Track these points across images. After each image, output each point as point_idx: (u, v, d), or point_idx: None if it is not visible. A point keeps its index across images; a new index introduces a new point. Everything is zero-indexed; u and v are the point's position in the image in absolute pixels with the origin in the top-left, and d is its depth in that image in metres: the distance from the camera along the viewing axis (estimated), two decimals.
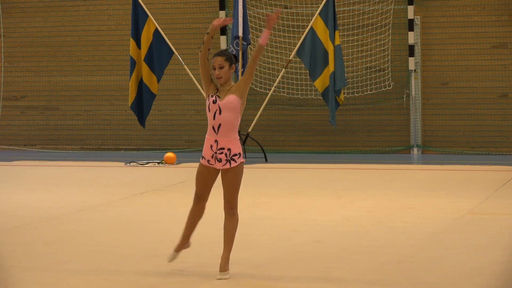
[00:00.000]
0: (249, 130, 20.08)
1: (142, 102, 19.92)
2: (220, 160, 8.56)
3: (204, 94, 8.81)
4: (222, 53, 8.77)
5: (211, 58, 8.84)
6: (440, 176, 16.83)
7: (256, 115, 20.18)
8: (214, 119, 8.52)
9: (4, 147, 23.09)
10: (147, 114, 20.14)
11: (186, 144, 21.89)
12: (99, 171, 18.28)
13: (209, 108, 8.55)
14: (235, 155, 8.55)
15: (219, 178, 8.73)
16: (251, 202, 13.68)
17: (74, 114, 22.63)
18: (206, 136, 8.64)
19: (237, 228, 8.81)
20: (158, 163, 19.23)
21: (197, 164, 8.73)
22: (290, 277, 8.72)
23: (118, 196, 14.37)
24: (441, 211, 12.58)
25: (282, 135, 21.53)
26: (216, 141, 8.54)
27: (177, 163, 19.05)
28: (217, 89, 8.61)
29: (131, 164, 19.21)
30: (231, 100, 8.51)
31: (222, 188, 8.66)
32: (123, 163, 19.33)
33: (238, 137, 8.74)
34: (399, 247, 10.22)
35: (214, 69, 8.65)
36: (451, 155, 20.50)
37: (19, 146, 23.07)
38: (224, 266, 8.56)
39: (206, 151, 8.64)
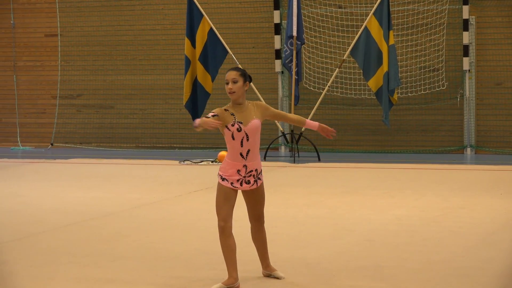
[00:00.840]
0: (302, 129, 20.12)
1: (197, 101, 20.02)
2: (248, 182, 8.35)
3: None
4: (236, 69, 8.42)
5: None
6: (493, 176, 16.74)
7: (309, 114, 20.22)
8: (242, 146, 8.24)
9: (60, 144, 23.33)
10: (202, 113, 20.24)
11: None
12: (154, 169, 18.41)
13: (233, 137, 8.23)
14: (260, 173, 8.43)
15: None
16: (304, 201, 13.74)
17: (129, 113, 22.81)
18: (228, 160, 8.35)
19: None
20: (212, 161, 19.33)
21: None
22: (342, 276, 8.77)
23: (173, 194, 14.48)
24: (494, 212, 12.53)
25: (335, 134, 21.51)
26: (245, 166, 8.30)
27: None
28: (233, 115, 8.30)
29: (185, 162, 19.34)
30: (257, 125, 8.32)
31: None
32: (177, 162, 19.46)
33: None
34: (450, 246, 10.21)
35: (227, 83, 8.34)
36: (504, 155, 20.37)
37: (75, 144, 23.29)
38: (272, 267, 8.69)
39: (232, 175, 8.30)
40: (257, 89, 20.46)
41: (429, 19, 20.71)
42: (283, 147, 21.51)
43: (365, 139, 21.40)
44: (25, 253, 10.11)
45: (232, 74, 8.34)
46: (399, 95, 20.28)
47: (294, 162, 19.29)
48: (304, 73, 21.00)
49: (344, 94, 21.09)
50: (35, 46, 23.82)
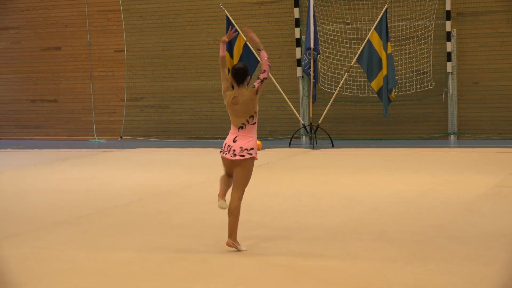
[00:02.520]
0: (319, 121, 20.07)
1: None
2: (234, 155, 8.41)
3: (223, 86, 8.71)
4: (241, 64, 8.72)
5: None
6: (472, 157, 16.63)
7: (324, 110, 20.17)
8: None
9: (128, 137, 23.38)
10: None
11: (269, 134, 21.94)
12: (201, 156, 18.43)
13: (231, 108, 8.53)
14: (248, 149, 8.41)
15: None
16: (321, 179, 13.71)
17: (182, 111, 22.81)
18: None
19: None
20: None
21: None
22: (355, 238, 8.75)
23: (216, 175, 14.44)
24: (473, 185, 12.45)
25: (345, 126, 21.46)
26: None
27: (262, 149, 19.13)
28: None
29: None
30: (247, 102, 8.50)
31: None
32: (219, 149, 19.45)
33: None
34: (440, 213, 10.17)
35: None
36: (481, 140, 20.23)
37: (139, 137, 23.33)
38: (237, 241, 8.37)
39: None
40: (283, 90, 20.42)
41: (419, 32, 20.59)
42: (304, 137, 21.44)
43: (370, 129, 21.32)
44: (101, 224, 10.14)
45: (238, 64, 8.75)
46: (396, 93, 20.20)
47: (313, 148, 19.23)
48: (320, 77, 20.92)
49: (352, 93, 21.00)
50: (106, 60, 23.87)
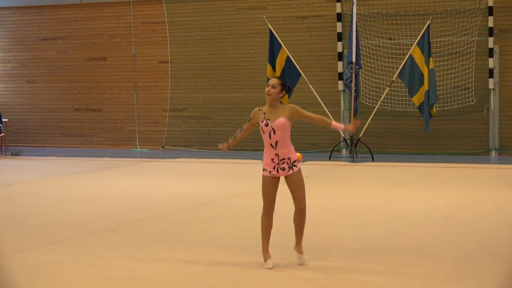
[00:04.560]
0: (360, 135, 19.97)
1: None
2: (283, 169, 8.13)
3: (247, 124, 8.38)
4: (279, 78, 8.32)
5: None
6: None
7: (365, 123, 20.08)
8: (270, 138, 8.11)
9: (170, 147, 23.46)
10: None
11: (310, 146, 21.89)
12: (242, 167, 18.41)
13: (263, 130, 8.14)
14: (295, 161, 8.20)
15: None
16: (361, 192, 13.63)
17: (223, 122, 22.83)
18: (265, 151, 8.21)
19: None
20: None
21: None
22: (393, 253, 8.66)
23: (257, 186, 14.43)
24: None
25: (386, 140, 21.35)
26: (277, 154, 8.13)
27: (303, 161, 19.08)
28: (264, 114, 8.17)
29: None
30: (282, 122, 8.11)
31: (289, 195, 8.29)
32: (260, 161, 19.42)
33: (293, 147, 8.33)
34: (480, 230, 10.04)
35: (268, 86, 8.19)
36: None
37: (181, 147, 23.39)
38: (301, 250, 8.26)
39: (269, 164, 8.17)
40: (324, 104, 20.36)
41: (461, 48, 20.43)
42: (344, 150, 21.35)
43: (410, 143, 21.18)
44: (142, 233, 10.16)
45: (274, 81, 8.24)
46: (437, 108, 20.06)
47: (353, 162, 19.14)
48: (361, 91, 20.84)
49: (393, 107, 20.88)
50: (150, 71, 24.00)
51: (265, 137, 8.18)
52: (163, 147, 23.53)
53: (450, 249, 8.81)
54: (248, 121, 8.35)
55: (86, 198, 13.41)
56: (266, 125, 8.14)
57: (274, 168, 8.16)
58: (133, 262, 8.35)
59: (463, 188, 13.94)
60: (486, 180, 15.20)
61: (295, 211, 8.23)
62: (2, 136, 22.71)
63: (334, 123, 8.36)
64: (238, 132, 8.47)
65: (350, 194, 13.42)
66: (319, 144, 21.80)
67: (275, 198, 8.19)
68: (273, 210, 8.19)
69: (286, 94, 8.40)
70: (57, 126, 25.03)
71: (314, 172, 16.93)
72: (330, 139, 21.43)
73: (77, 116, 24.79)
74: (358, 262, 8.21)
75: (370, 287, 7.26)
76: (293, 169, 8.16)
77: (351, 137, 20.04)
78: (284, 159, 8.16)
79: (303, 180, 8.21)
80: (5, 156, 21.82)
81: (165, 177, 16.52)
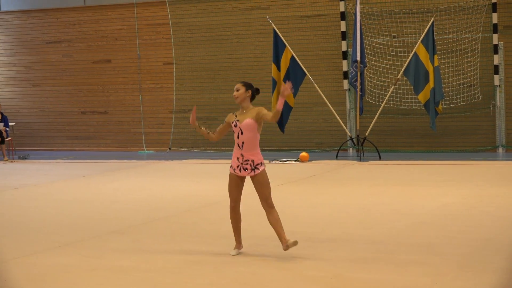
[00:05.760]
0: (366, 134, 19.97)
1: (282, 113, 20.03)
2: (246, 169, 8.58)
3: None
4: (242, 82, 8.83)
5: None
6: None
7: (371, 122, 20.07)
8: (238, 138, 8.61)
9: (176, 148, 23.49)
10: (286, 122, 20.26)
11: (316, 146, 21.89)
12: None
13: (233, 130, 8.67)
14: (258, 164, 8.58)
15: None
16: (368, 191, 13.63)
17: None
18: (233, 150, 8.68)
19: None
20: (295, 160, 19.28)
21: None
22: (402, 251, 8.65)
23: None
24: None
25: (392, 138, 21.35)
26: (242, 154, 8.59)
27: (310, 161, 19.08)
28: (236, 116, 8.69)
29: (274, 161, 19.30)
30: (248, 123, 8.58)
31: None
32: (267, 161, 19.42)
33: (259, 151, 8.70)
34: (488, 227, 10.03)
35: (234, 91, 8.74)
36: None
37: (187, 148, 23.42)
38: (288, 239, 8.45)
39: (234, 162, 8.66)
40: (329, 103, 20.35)
41: (466, 45, 20.43)
42: (351, 149, 21.36)
43: (417, 141, 21.18)
44: (151, 234, 10.18)
45: (237, 85, 8.77)
46: (443, 106, 20.06)
47: (360, 160, 19.13)
48: (367, 90, 20.84)
49: (399, 105, 20.89)
50: (155, 72, 24.04)
51: (234, 137, 8.66)
52: (169, 148, 23.56)
53: (459, 246, 8.80)
54: (224, 123, 8.85)
55: (94, 201, 13.43)
56: (235, 125, 8.63)
57: (237, 167, 8.63)
58: (142, 263, 8.36)
59: (471, 186, 13.93)
60: (494, 177, 15.19)
61: (266, 213, 8.65)
62: (9, 139, 22.76)
63: (277, 106, 8.53)
64: (211, 132, 9.00)
65: (357, 193, 13.42)
66: (326, 143, 21.80)
67: (239, 196, 8.70)
68: (239, 206, 8.73)
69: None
70: (63, 129, 25.07)
71: (321, 171, 16.93)
72: (336, 138, 21.44)
73: (83, 119, 24.83)
74: (367, 261, 8.21)
75: (379, 285, 7.26)
76: (255, 171, 8.57)
77: (358, 135, 20.03)
78: (248, 160, 8.60)
79: (268, 180, 8.66)
80: (13, 160, 21.86)
81: (173, 178, 16.53)
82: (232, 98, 8.95)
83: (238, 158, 8.60)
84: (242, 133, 8.56)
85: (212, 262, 8.33)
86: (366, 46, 20.55)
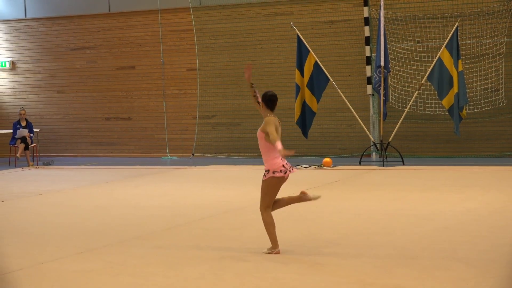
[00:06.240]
0: (390, 139, 19.92)
1: (305, 119, 20.10)
2: (264, 175, 9.00)
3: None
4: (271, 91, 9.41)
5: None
6: None
7: (395, 127, 20.02)
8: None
9: (199, 154, 23.53)
10: (309, 127, 20.25)
11: (340, 151, 21.86)
12: None
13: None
14: (266, 171, 8.95)
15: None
16: (391, 196, 13.59)
17: (253, 129, 22.79)
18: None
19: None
20: (318, 166, 19.26)
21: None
22: (425, 257, 8.61)
23: (288, 192, 14.41)
24: None
25: (416, 143, 21.28)
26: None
27: (333, 166, 19.05)
28: None
29: (297, 167, 19.26)
30: (258, 133, 9.10)
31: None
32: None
33: (273, 158, 8.92)
34: None
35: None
36: None
37: (211, 154, 23.46)
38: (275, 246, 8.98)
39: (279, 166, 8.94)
40: (353, 108, 20.32)
41: (491, 50, 20.33)
42: (374, 154, 21.30)
43: (440, 146, 21.10)
44: (174, 240, 10.20)
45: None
46: (467, 111, 19.97)
47: (383, 166, 19.09)
48: (390, 95, 20.78)
49: (422, 111, 20.82)
50: (179, 78, 24.12)
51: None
52: (193, 154, 23.61)
53: (483, 252, 8.76)
54: None
55: (117, 207, 13.49)
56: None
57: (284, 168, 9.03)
58: (165, 269, 8.38)
59: (494, 191, 13.85)
60: None
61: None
62: (33, 146, 22.90)
63: (277, 142, 8.77)
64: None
65: (381, 198, 13.38)
66: (349, 149, 21.76)
67: (262, 198, 9.03)
68: (267, 210, 8.97)
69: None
70: (87, 135, 25.20)
71: (344, 177, 16.90)
72: (360, 144, 21.39)
73: (107, 125, 24.95)
74: (390, 267, 8.18)
75: None
76: (264, 177, 8.94)
77: (381, 141, 19.99)
78: (264, 166, 8.98)
79: (267, 190, 8.91)
80: (37, 166, 22.00)
81: (196, 184, 16.57)
82: (254, 103, 9.07)
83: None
84: (259, 142, 9.01)
85: (235, 268, 8.33)
86: (390, 52, 20.50)
